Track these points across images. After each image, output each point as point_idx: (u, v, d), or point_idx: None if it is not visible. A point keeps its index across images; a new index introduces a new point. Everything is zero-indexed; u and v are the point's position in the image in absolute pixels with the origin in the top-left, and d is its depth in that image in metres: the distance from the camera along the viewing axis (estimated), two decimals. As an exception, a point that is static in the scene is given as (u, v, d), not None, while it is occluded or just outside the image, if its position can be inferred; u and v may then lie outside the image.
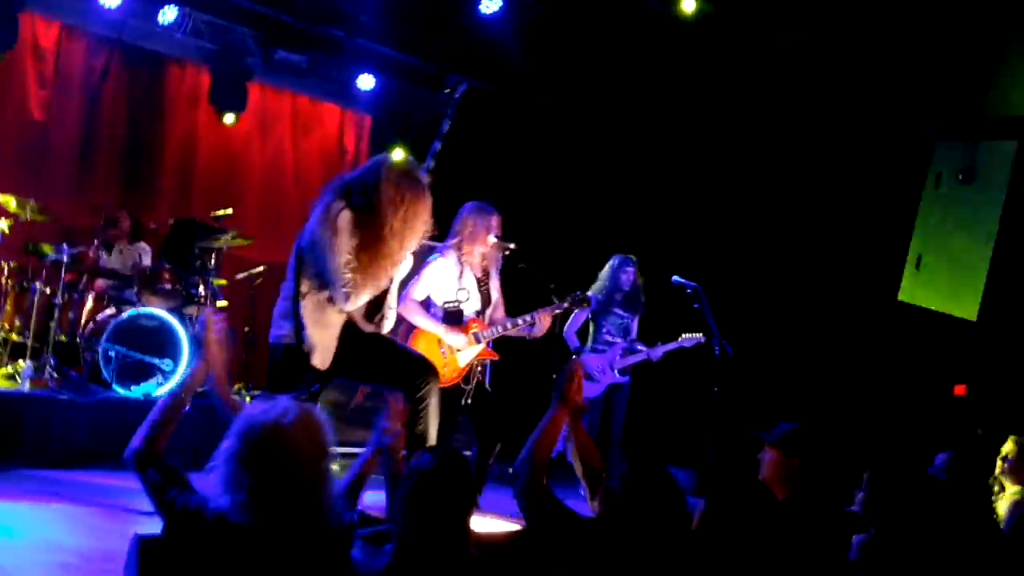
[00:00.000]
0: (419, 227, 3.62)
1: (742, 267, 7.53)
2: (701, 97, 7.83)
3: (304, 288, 3.56)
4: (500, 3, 7.32)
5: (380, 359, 3.75)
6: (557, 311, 4.67)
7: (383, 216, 3.49)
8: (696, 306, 5.50)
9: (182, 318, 6.28)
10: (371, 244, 3.50)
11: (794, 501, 3.02)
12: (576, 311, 5.77)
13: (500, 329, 4.61)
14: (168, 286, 6.34)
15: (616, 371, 5.96)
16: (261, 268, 7.18)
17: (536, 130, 8.79)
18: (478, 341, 4.56)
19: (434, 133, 9.49)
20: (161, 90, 8.10)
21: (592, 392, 5.84)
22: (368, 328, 3.74)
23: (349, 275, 3.49)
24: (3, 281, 6.06)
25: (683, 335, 5.91)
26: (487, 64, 8.64)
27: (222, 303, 6.98)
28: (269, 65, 8.05)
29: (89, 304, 6.15)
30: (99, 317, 5.98)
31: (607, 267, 6.09)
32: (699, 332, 5.77)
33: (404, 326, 4.53)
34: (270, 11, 7.68)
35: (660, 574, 2.28)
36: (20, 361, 5.74)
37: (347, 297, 3.51)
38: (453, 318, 4.56)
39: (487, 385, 4.68)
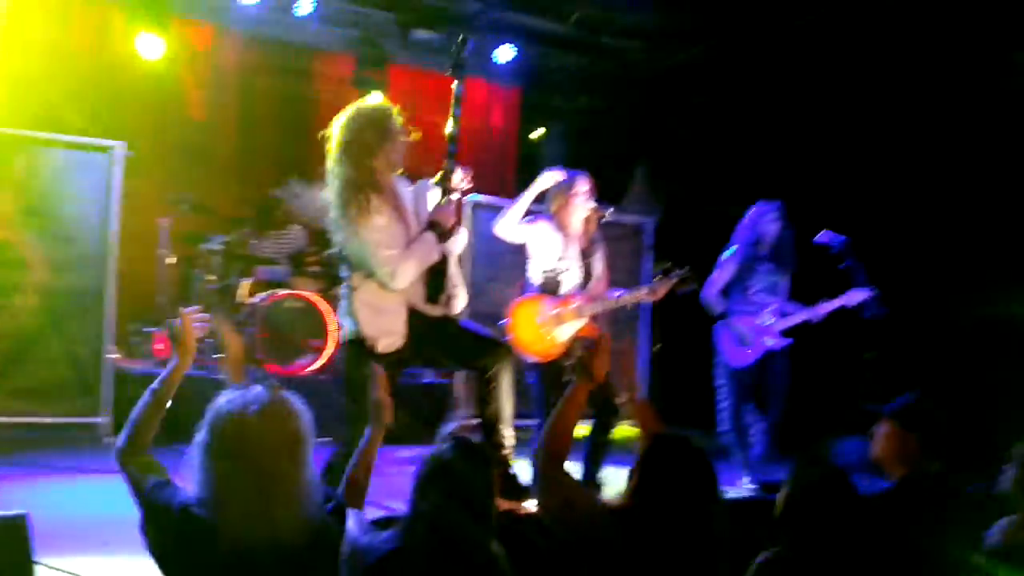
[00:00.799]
0: (394, 154, 3.59)
1: (897, 222, 6.80)
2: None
3: (355, 282, 3.55)
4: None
5: (449, 341, 3.66)
6: (662, 287, 4.40)
7: (367, 173, 3.41)
8: (843, 266, 4.98)
9: (330, 299, 6.49)
10: (376, 206, 3.43)
11: (910, 481, 2.66)
12: (719, 270, 5.35)
13: (603, 304, 4.41)
14: (316, 268, 6.56)
15: (773, 334, 5.33)
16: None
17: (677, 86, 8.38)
18: (579, 315, 4.37)
19: (581, 101, 9.36)
20: (309, 80, 8.40)
21: (744, 361, 5.33)
22: (435, 311, 3.64)
23: (384, 251, 3.41)
24: (169, 271, 6.49)
25: (850, 290, 5.18)
26: (624, 25, 8.35)
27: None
28: (407, 46, 8.17)
29: (245, 289, 6.46)
30: (252, 301, 6.27)
31: (748, 216, 5.44)
32: (844, 291, 5.19)
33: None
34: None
35: None
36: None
37: (392, 276, 3.44)
38: (551, 288, 4.40)
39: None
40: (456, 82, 3.79)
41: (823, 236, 5.19)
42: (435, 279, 3.60)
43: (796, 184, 7.24)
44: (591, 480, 4.33)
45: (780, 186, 7.23)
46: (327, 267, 6.69)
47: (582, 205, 4.39)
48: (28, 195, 5.25)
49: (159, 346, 6.24)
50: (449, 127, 3.76)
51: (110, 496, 3.29)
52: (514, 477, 3.70)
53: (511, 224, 4.42)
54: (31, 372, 5.24)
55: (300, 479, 1.93)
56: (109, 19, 7.17)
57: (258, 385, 2.02)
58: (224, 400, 1.98)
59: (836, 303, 5.25)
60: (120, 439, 2.27)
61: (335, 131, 3.55)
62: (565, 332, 4.35)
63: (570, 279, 4.40)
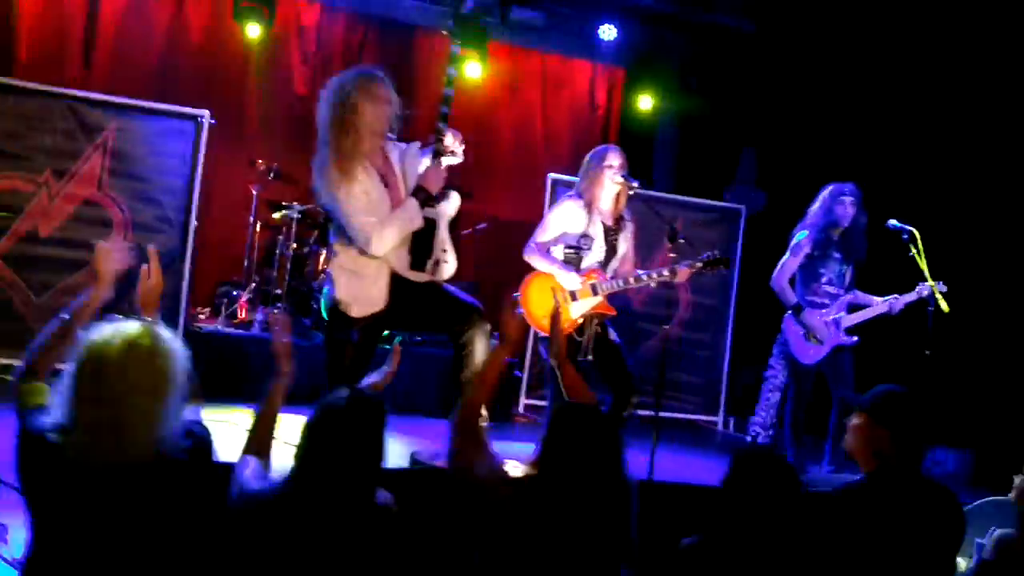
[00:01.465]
0: (378, 120, 3.44)
1: (967, 211, 6.25)
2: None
3: (338, 246, 3.55)
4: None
5: (426, 307, 3.62)
6: (692, 268, 4.25)
7: (343, 139, 3.36)
8: (911, 254, 4.65)
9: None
10: (356, 173, 3.38)
11: (879, 476, 2.44)
12: (789, 257, 5.09)
13: (622, 283, 4.27)
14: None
15: (843, 329, 5.03)
16: (483, 224, 7.31)
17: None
18: (594, 292, 4.23)
19: (688, 80, 9.07)
20: (411, 58, 8.52)
21: (811, 357, 5.05)
22: (420, 277, 3.61)
23: (361, 218, 3.38)
24: (255, 238, 6.78)
25: (929, 282, 4.82)
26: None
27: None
28: (507, 25, 8.16)
29: (321, 257, 6.66)
30: (326, 268, 6.45)
31: (819, 198, 5.11)
32: (917, 283, 4.83)
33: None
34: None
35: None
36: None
37: (368, 241, 3.41)
38: (571, 264, 4.28)
39: (612, 338, 4.33)
40: (455, 42, 3.71)
41: (894, 223, 4.87)
42: (421, 244, 3.57)
43: (900, 172, 6.78)
44: None
45: (887, 175, 6.85)
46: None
47: (612, 179, 4.23)
48: (117, 158, 5.59)
49: (242, 312, 6.51)
50: (446, 88, 3.68)
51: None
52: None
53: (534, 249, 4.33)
54: (109, 327, 5.58)
55: (155, 415, 1.96)
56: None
57: (136, 320, 2.06)
58: (97, 330, 2.02)
59: (914, 295, 4.89)
60: (18, 366, 2.30)
61: (320, 96, 3.54)
62: (578, 308, 4.23)
63: (593, 256, 4.28)
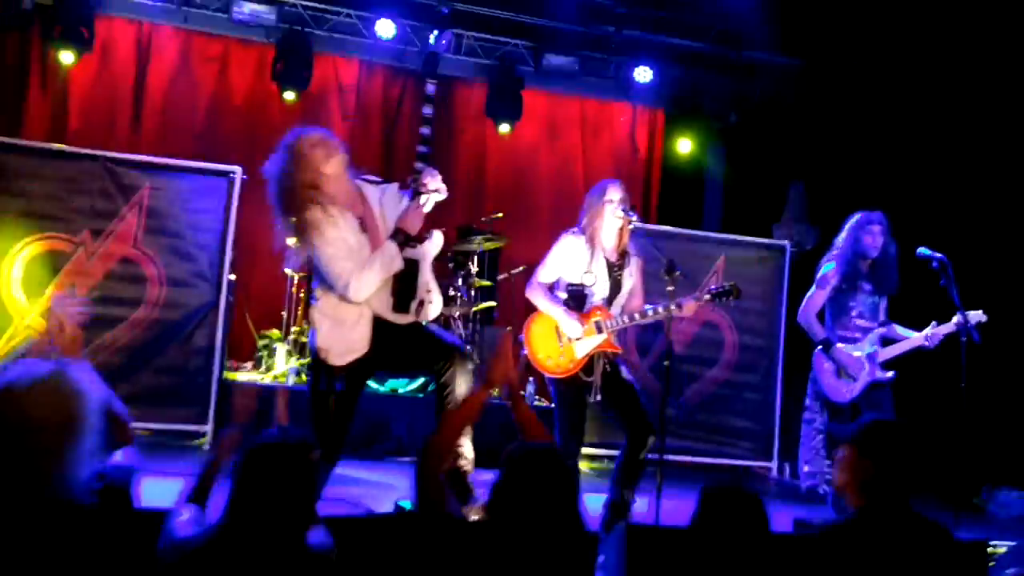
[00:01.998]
0: (334, 173, 3.37)
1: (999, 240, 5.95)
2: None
3: (319, 292, 3.52)
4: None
5: (409, 349, 3.54)
6: (699, 301, 4.12)
7: (305, 197, 3.34)
8: (943, 283, 4.43)
9: (436, 319, 6.58)
10: (326, 225, 3.36)
11: (868, 512, 2.26)
12: (816, 290, 4.87)
13: (627, 319, 4.14)
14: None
15: (878, 364, 4.75)
16: (521, 268, 7.27)
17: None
18: (599, 331, 4.10)
19: (726, 119, 8.96)
20: (450, 109, 8.64)
21: (845, 396, 4.78)
22: (404, 319, 3.54)
23: (340, 264, 3.36)
24: (294, 290, 6.88)
25: (959, 313, 4.57)
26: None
27: (488, 304, 7.24)
28: (541, 72, 8.22)
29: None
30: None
31: (846, 228, 4.88)
32: (955, 312, 4.57)
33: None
34: (533, 20, 7.82)
35: None
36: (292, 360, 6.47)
37: (347, 287, 3.36)
38: (576, 302, 4.17)
39: (624, 376, 4.20)
40: (429, 80, 3.69)
41: (923, 251, 4.64)
42: (404, 286, 3.52)
43: (943, 201, 6.53)
44: (618, 501, 4.08)
45: (936, 209, 6.60)
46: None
47: (613, 213, 4.15)
48: (152, 216, 5.76)
49: (278, 363, 6.59)
50: (422, 128, 3.65)
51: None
52: (468, 485, 3.55)
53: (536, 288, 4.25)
54: (147, 380, 5.71)
55: (67, 458, 1.93)
56: (261, 59, 7.76)
57: (48, 361, 2.04)
58: (9, 369, 2.01)
59: (950, 327, 4.63)
60: None
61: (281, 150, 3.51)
62: (583, 348, 4.11)
63: (597, 292, 4.19)
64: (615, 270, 4.22)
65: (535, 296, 4.21)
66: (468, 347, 6.95)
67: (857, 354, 4.79)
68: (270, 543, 1.96)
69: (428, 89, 3.75)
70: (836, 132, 7.92)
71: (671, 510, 3.90)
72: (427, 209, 3.63)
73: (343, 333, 3.47)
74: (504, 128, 8.28)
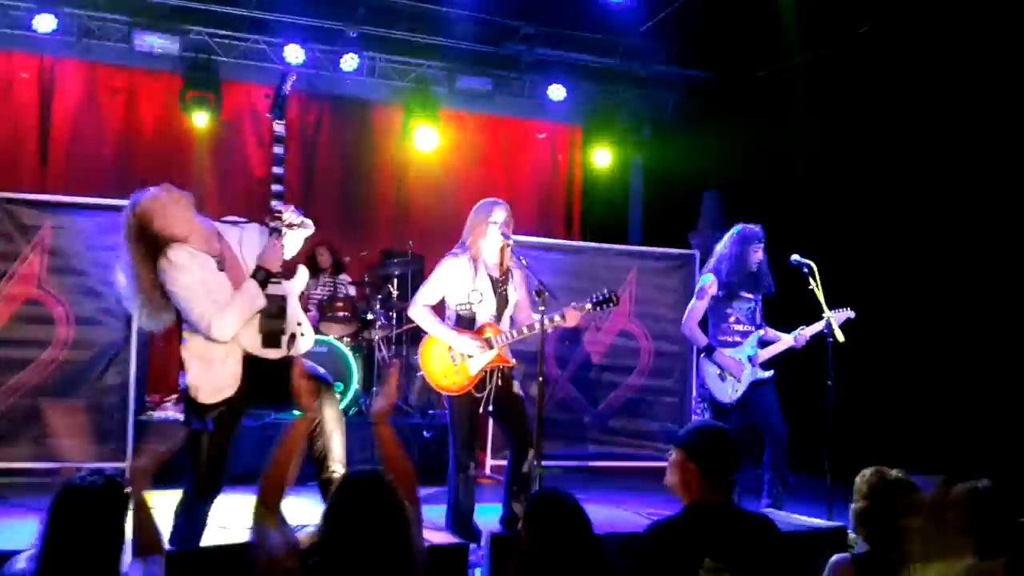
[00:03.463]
0: (178, 215, 3.42)
1: (865, 243, 6.55)
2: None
3: (186, 333, 3.54)
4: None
5: (279, 384, 3.59)
6: (580, 310, 4.25)
7: (149, 251, 3.39)
8: (810, 287, 4.80)
9: (356, 344, 6.61)
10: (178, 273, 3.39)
11: (693, 510, 2.41)
12: (697, 301, 5.21)
13: (515, 333, 4.28)
14: (342, 314, 6.71)
15: (757, 365, 5.12)
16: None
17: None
18: (490, 347, 4.24)
19: (642, 132, 9.16)
20: (368, 132, 8.69)
21: (730, 395, 5.13)
22: (275, 354, 3.58)
23: (200, 306, 3.39)
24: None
25: (826, 313, 4.95)
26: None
27: (410, 326, 7.28)
28: (456, 93, 8.31)
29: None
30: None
31: (727, 239, 5.21)
32: (820, 314, 4.96)
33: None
34: (445, 41, 7.91)
35: None
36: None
37: (210, 327, 3.38)
38: (466, 322, 4.29)
39: (516, 389, 4.33)
40: (277, 122, 3.75)
41: (796, 259, 5.00)
42: (272, 322, 3.56)
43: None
44: (510, 516, 4.28)
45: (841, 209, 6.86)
46: (355, 313, 6.85)
47: (497, 234, 4.27)
48: (55, 255, 5.69)
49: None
50: (275, 167, 3.71)
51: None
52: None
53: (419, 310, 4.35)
54: (59, 420, 5.61)
55: None
56: (169, 89, 7.69)
57: None
58: None
59: (816, 328, 5.03)
60: None
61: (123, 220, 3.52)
62: (476, 364, 4.24)
63: (484, 309, 4.29)
64: (499, 286, 4.34)
65: (419, 318, 4.33)
66: (387, 365, 7.00)
67: (738, 356, 5.14)
68: None
69: (277, 130, 3.79)
70: (748, 140, 8.16)
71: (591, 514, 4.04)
72: (292, 245, 3.70)
73: (212, 372, 3.50)
74: (424, 146, 8.31)
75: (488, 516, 4.65)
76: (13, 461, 5.57)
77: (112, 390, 5.79)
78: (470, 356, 4.23)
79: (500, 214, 4.30)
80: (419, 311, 4.32)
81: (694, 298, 5.25)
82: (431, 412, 6.84)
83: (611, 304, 4.30)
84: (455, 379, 4.23)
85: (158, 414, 6.31)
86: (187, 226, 3.45)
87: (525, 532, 2.29)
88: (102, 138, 7.50)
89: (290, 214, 3.59)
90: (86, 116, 7.51)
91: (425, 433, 6.39)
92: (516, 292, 4.41)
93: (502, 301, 4.34)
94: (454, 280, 4.31)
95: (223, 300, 3.43)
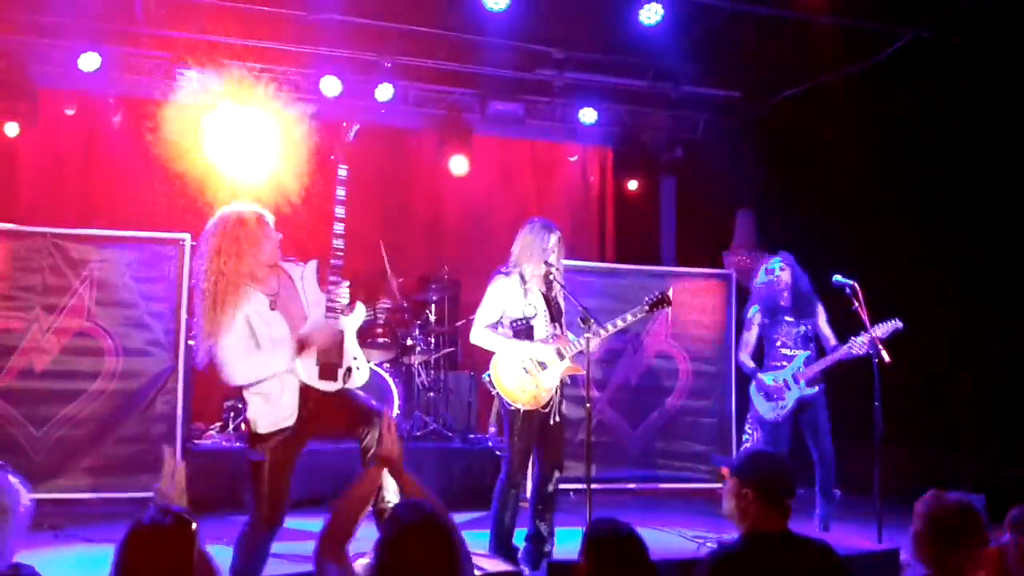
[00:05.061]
0: (252, 255, 3.55)
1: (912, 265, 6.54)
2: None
3: None
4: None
5: (334, 415, 3.67)
6: (632, 317, 4.46)
7: (216, 279, 3.49)
8: (854, 308, 4.89)
9: (396, 368, 6.68)
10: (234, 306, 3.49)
11: (751, 537, 2.41)
12: (745, 332, 5.57)
13: (581, 342, 4.33)
14: (381, 340, 6.78)
15: (801, 383, 5.28)
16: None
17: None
18: (561, 357, 4.35)
19: (673, 152, 9.18)
20: (403, 160, 8.80)
21: (775, 416, 5.34)
22: (331, 387, 3.67)
23: (231, 366, 3.50)
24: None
25: (871, 332, 5.03)
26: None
27: (448, 350, 7.34)
28: (488, 118, 8.39)
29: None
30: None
31: (757, 274, 5.58)
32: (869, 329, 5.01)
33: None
34: (476, 68, 8.01)
35: None
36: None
37: (222, 366, 3.50)
38: (523, 336, 4.36)
39: (561, 410, 4.43)
40: (342, 166, 3.85)
41: (839, 280, 5.09)
42: (329, 355, 3.64)
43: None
44: (535, 533, 4.38)
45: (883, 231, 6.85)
46: (394, 339, 6.92)
47: (544, 260, 4.38)
48: (103, 288, 5.81)
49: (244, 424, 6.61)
50: (337, 208, 3.81)
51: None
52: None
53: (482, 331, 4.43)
54: (109, 451, 5.73)
55: None
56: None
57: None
58: None
59: (869, 337, 5.05)
60: None
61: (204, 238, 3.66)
62: (551, 376, 4.33)
63: (540, 322, 4.38)
64: (550, 297, 4.45)
65: (484, 339, 4.38)
66: (431, 394, 7.05)
67: (773, 381, 5.36)
68: None
69: (340, 175, 3.91)
70: (781, 158, 8.16)
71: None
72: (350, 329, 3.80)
73: (270, 405, 3.59)
74: (457, 171, 8.38)
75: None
76: (64, 492, 5.67)
77: (160, 419, 5.89)
78: (544, 366, 4.31)
79: (556, 243, 4.42)
80: (482, 332, 4.40)
81: (744, 329, 5.63)
82: (471, 436, 6.87)
83: (665, 305, 4.46)
84: (533, 391, 4.31)
85: (204, 442, 6.39)
86: (261, 271, 3.60)
87: (585, 560, 2.30)
88: (145, 179, 7.64)
89: (339, 297, 3.68)
90: (127, 152, 7.65)
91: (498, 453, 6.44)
92: (563, 303, 4.53)
93: (556, 312, 4.46)
94: (508, 297, 4.39)
95: (270, 337, 3.51)
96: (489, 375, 4.42)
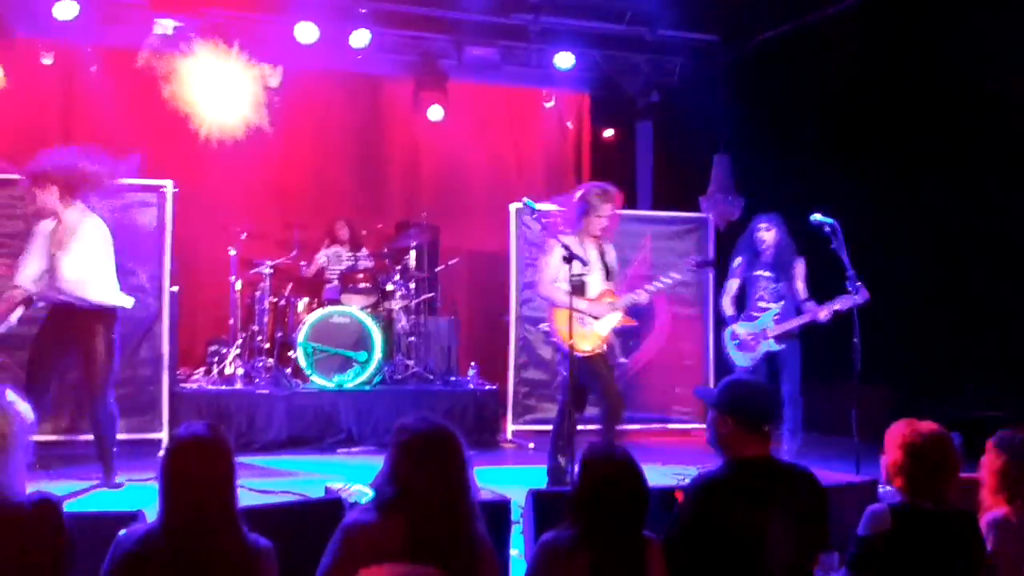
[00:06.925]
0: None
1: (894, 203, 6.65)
2: None
3: None
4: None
5: None
6: (679, 274, 4.95)
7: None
8: (833, 247, 4.98)
9: (377, 314, 6.82)
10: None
11: (733, 464, 2.56)
12: (728, 279, 5.87)
13: (633, 296, 4.83)
14: (363, 285, 6.90)
15: (771, 338, 5.59)
16: (456, 259, 7.56)
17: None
18: (614, 310, 4.79)
19: (649, 97, 9.24)
20: (378, 108, 8.83)
21: (746, 364, 5.68)
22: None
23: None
24: (239, 296, 7.04)
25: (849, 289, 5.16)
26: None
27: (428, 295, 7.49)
28: (464, 64, 8.40)
29: (302, 307, 6.90)
30: (305, 318, 6.68)
31: (747, 229, 5.87)
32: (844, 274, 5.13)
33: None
34: (452, 13, 8.00)
35: None
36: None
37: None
38: (578, 291, 4.64)
39: (614, 353, 5.03)
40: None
41: (815, 219, 5.13)
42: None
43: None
44: (556, 467, 4.71)
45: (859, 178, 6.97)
46: (375, 284, 7.04)
47: (608, 216, 4.79)
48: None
49: (228, 368, 6.74)
50: None
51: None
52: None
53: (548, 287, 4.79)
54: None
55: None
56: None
57: None
58: None
59: (838, 303, 5.28)
60: None
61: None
62: (605, 326, 4.79)
63: (595, 279, 4.80)
64: (603, 255, 4.87)
65: (550, 293, 4.78)
66: (412, 338, 7.20)
67: (746, 332, 5.68)
68: (205, 537, 2.15)
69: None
70: (759, 102, 8.24)
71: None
72: None
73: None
74: (433, 118, 8.40)
75: (518, 478, 5.00)
76: (53, 434, 5.80)
77: (146, 363, 6.01)
78: (597, 319, 4.74)
79: (611, 209, 4.79)
80: (549, 288, 4.77)
81: (728, 277, 5.92)
82: (452, 379, 7.08)
83: (710, 266, 5.47)
84: (590, 340, 4.71)
85: (189, 385, 6.53)
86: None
87: (581, 481, 2.40)
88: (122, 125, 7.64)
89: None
90: (104, 99, 7.64)
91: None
92: (613, 262, 4.95)
93: (608, 269, 4.88)
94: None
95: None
96: (547, 324, 4.93)
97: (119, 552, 2.16)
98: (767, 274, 5.69)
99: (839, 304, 5.24)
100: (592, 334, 4.73)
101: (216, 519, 2.16)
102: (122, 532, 2.22)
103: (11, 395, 2.30)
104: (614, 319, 4.81)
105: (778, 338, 5.55)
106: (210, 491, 2.16)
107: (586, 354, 4.67)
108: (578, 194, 4.85)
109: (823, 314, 5.35)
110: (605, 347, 4.79)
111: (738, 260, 5.86)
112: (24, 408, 2.29)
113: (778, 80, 7.98)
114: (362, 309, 6.81)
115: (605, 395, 4.70)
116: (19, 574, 2.14)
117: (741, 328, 5.73)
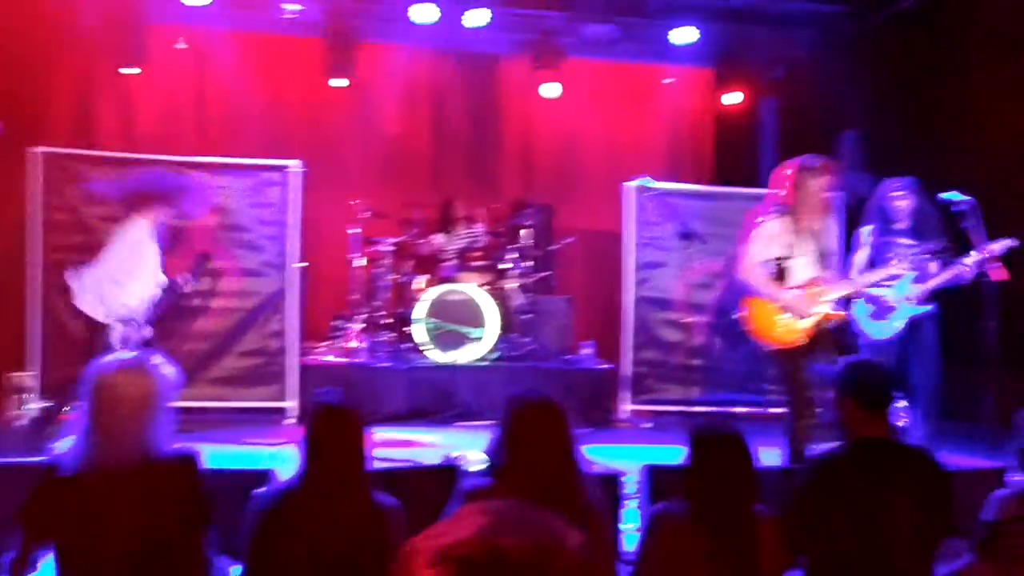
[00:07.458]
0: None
1: None
2: None
3: None
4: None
5: None
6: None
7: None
8: (965, 226, 4.71)
9: (493, 291, 6.89)
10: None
11: (854, 445, 2.47)
12: (856, 251, 5.34)
13: (846, 287, 4.53)
14: (479, 263, 6.98)
15: (911, 300, 5.13)
16: (573, 238, 7.54)
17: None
18: (817, 304, 4.42)
19: (775, 72, 8.94)
20: (495, 86, 8.87)
21: (885, 334, 5.19)
22: None
23: None
24: (359, 272, 7.25)
25: (982, 250, 4.87)
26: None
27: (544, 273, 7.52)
28: (582, 42, 8.33)
29: (421, 284, 7.03)
30: (422, 295, 6.81)
31: (875, 195, 5.40)
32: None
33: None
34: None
35: None
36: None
37: None
38: (782, 275, 4.42)
39: (835, 348, 4.46)
40: None
41: (948, 196, 4.92)
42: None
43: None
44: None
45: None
46: (491, 262, 7.12)
47: (821, 192, 4.43)
48: (221, 213, 6.18)
49: (351, 342, 6.96)
50: None
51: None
52: None
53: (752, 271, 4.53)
54: (229, 364, 6.17)
55: (142, 422, 2.30)
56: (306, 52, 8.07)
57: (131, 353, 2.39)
58: (103, 360, 2.40)
59: (984, 253, 4.88)
60: None
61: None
62: (808, 319, 4.40)
63: (801, 264, 4.45)
64: (815, 238, 4.48)
65: (754, 279, 4.48)
66: (528, 316, 7.25)
67: (887, 295, 5.19)
68: (343, 492, 2.26)
69: None
70: (889, 78, 7.86)
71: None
72: None
73: None
74: (549, 95, 8.37)
75: (633, 456, 4.95)
76: (191, 401, 6.12)
77: (275, 335, 6.29)
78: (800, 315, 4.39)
79: (827, 183, 4.45)
80: (753, 272, 4.47)
81: (854, 248, 5.42)
82: (567, 358, 7.09)
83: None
84: (788, 334, 4.40)
85: (315, 358, 6.78)
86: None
87: (692, 457, 2.41)
88: (252, 109, 7.95)
89: None
90: (238, 84, 7.96)
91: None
92: (831, 243, 4.60)
93: (818, 253, 4.49)
94: (775, 239, 4.45)
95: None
96: (743, 315, 4.58)
97: (257, 507, 2.30)
98: (906, 241, 5.24)
99: (997, 245, 4.79)
100: (791, 325, 4.39)
101: (350, 477, 2.28)
102: (260, 489, 2.36)
103: (158, 358, 2.46)
104: (820, 311, 4.40)
105: (920, 301, 5.12)
106: (346, 452, 2.29)
107: (783, 346, 4.39)
108: (787, 171, 4.52)
109: (971, 260, 4.88)
110: (807, 340, 4.38)
111: (868, 229, 5.43)
112: (170, 371, 2.45)
113: (910, 54, 7.57)
114: (479, 287, 6.88)
115: (790, 399, 4.38)
116: (168, 520, 2.30)
117: (876, 295, 5.21)
